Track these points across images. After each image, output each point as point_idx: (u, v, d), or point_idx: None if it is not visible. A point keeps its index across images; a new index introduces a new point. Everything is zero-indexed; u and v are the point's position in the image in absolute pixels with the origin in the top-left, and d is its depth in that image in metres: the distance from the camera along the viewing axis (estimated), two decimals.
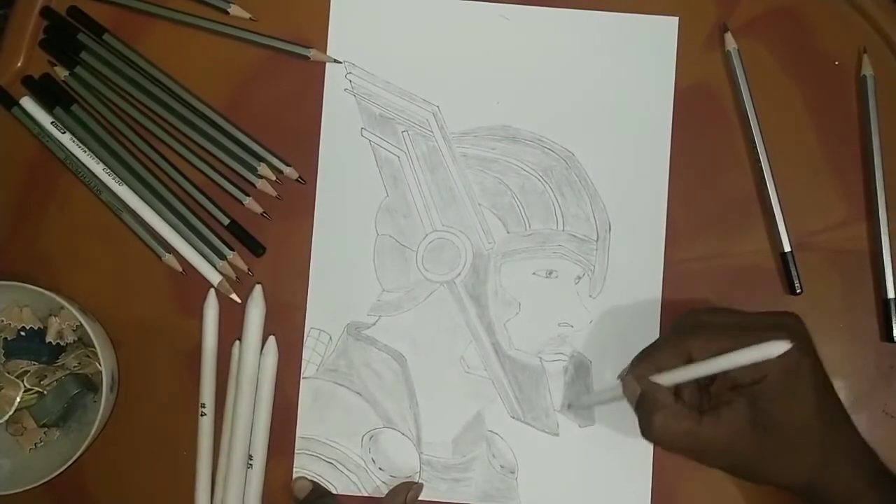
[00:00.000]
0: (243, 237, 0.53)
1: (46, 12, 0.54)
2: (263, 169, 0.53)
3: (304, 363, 0.53)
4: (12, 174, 0.54)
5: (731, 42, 0.53)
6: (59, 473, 0.49)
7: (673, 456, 0.51)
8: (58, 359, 0.52)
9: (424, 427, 0.53)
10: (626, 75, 0.54)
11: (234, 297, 0.53)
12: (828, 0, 0.53)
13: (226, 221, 0.53)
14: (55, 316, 0.52)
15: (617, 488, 0.52)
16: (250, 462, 0.52)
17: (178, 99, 0.53)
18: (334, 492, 0.52)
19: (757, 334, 0.42)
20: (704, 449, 0.44)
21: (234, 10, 0.54)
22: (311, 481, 0.52)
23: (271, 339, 0.52)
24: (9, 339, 0.52)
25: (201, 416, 0.52)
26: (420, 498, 0.52)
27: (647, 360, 0.46)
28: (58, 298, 0.49)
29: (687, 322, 0.46)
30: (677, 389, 0.45)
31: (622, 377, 0.47)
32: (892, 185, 0.52)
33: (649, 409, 0.44)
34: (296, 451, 0.53)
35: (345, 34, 0.54)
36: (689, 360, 0.44)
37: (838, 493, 0.44)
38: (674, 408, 0.44)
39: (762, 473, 0.45)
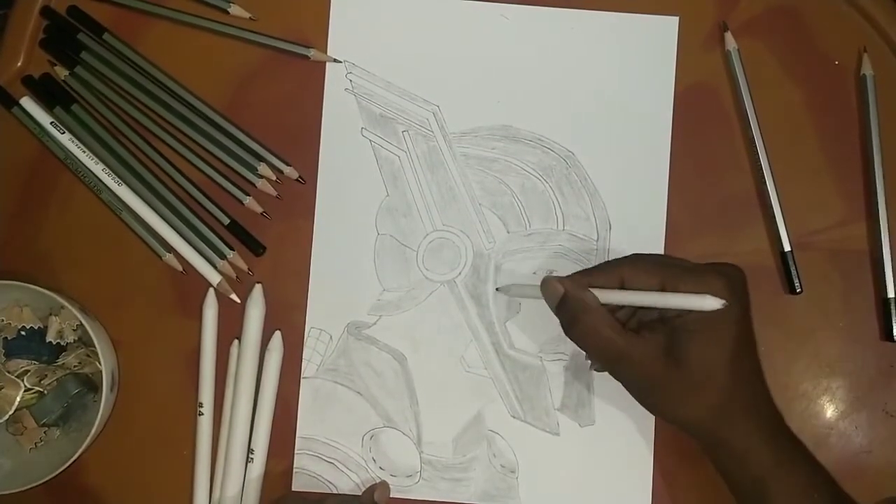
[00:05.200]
0: (243, 237, 0.53)
1: (46, 12, 0.54)
2: (263, 168, 0.53)
3: (304, 363, 0.53)
4: (12, 174, 0.54)
5: (731, 42, 0.53)
6: (60, 473, 0.49)
7: (673, 455, 0.52)
8: (58, 358, 0.52)
9: (425, 426, 0.53)
10: (627, 75, 0.54)
11: (233, 296, 0.53)
12: (828, 0, 0.53)
13: (226, 221, 0.53)
14: (55, 315, 0.52)
15: (617, 488, 0.52)
16: (251, 456, 0.52)
17: (178, 98, 0.53)
18: (335, 493, 0.52)
19: (695, 276, 0.44)
20: (619, 360, 0.45)
21: (234, 9, 0.54)
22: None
23: (277, 333, 0.52)
24: (9, 338, 0.52)
25: (199, 415, 0.52)
26: (420, 497, 0.52)
27: (581, 274, 0.47)
28: (58, 298, 0.49)
29: (629, 257, 0.47)
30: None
31: (545, 278, 0.47)
32: (892, 185, 0.52)
33: (576, 309, 0.45)
34: (296, 451, 0.53)
35: (345, 34, 0.54)
36: (621, 287, 0.45)
37: (735, 445, 0.44)
38: (601, 310, 0.45)
39: (664, 406, 0.46)
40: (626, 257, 0.47)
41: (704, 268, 0.45)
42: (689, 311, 0.44)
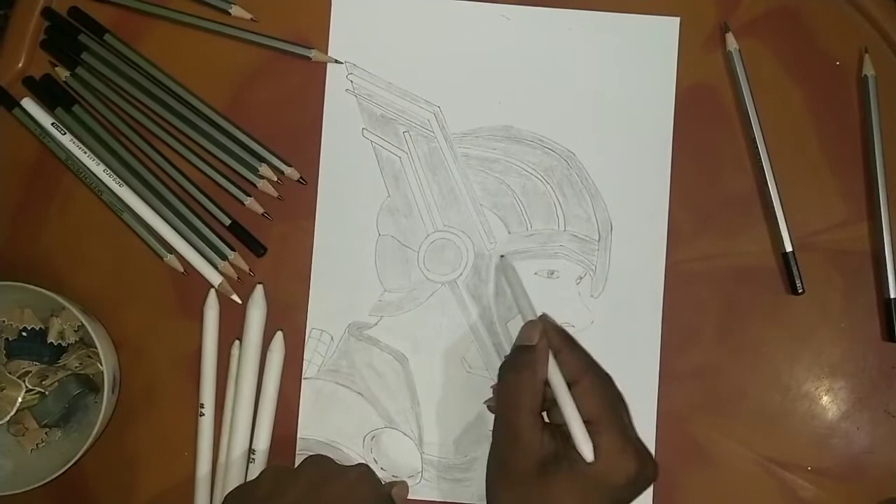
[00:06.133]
0: (244, 238, 0.53)
1: (47, 13, 0.54)
2: (265, 169, 0.53)
3: (305, 363, 0.53)
4: (13, 175, 0.54)
5: (732, 42, 0.53)
6: (61, 474, 0.49)
7: (674, 456, 0.52)
8: (59, 359, 0.52)
9: (426, 427, 0.53)
10: (628, 75, 0.54)
11: (234, 297, 0.53)
12: (829, 0, 0.53)
13: (227, 222, 0.53)
14: (56, 316, 0.52)
15: None
16: (252, 457, 0.52)
17: (180, 99, 0.53)
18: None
19: (621, 435, 0.42)
20: (514, 436, 0.43)
21: (236, 10, 0.54)
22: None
23: (279, 334, 0.52)
24: (10, 339, 0.52)
25: (200, 416, 0.52)
26: (421, 498, 0.52)
27: (564, 342, 0.45)
28: (59, 299, 0.49)
29: (600, 374, 0.44)
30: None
31: (535, 320, 0.46)
32: (894, 185, 0.52)
33: (521, 366, 0.44)
34: (297, 452, 0.53)
35: (346, 35, 0.54)
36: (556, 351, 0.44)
37: None
38: (538, 394, 0.43)
39: (496, 487, 0.44)
40: (598, 371, 0.44)
41: (637, 443, 0.43)
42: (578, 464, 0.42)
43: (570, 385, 0.43)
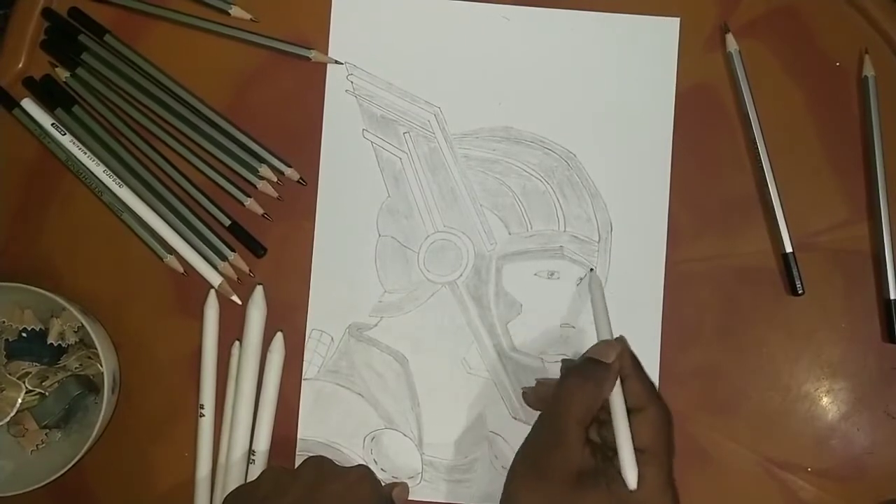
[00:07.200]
0: (244, 238, 0.53)
1: (47, 13, 0.54)
2: (264, 170, 0.53)
3: (305, 364, 0.53)
4: (13, 175, 0.54)
5: (732, 43, 0.53)
6: (61, 475, 0.49)
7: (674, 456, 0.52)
8: (59, 360, 0.52)
9: (426, 428, 0.53)
10: (628, 76, 0.54)
11: (234, 298, 0.53)
12: (829, 0, 0.53)
13: (227, 222, 0.53)
14: (57, 317, 0.52)
15: None
16: (252, 458, 0.52)
17: (180, 100, 0.53)
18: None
19: (663, 472, 0.42)
20: (556, 440, 0.43)
21: (236, 11, 0.54)
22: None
23: (279, 335, 0.52)
24: (10, 340, 0.52)
25: (200, 417, 0.52)
26: (422, 499, 0.52)
27: (634, 369, 0.45)
28: (59, 300, 0.49)
29: (663, 409, 0.44)
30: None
31: (619, 342, 0.46)
32: (894, 186, 0.52)
33: (594, 380, 0.43)
34: (297, 453, 0.53)
35: (346, 35, 0.54)
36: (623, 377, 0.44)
37: None
38: (583, 424, 0.43)
39: (521, 488, 0.44)
40: (661, 405, 0.44)
41: (673, 488, 0.43)
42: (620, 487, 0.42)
43: (630, 412, 0.43)
